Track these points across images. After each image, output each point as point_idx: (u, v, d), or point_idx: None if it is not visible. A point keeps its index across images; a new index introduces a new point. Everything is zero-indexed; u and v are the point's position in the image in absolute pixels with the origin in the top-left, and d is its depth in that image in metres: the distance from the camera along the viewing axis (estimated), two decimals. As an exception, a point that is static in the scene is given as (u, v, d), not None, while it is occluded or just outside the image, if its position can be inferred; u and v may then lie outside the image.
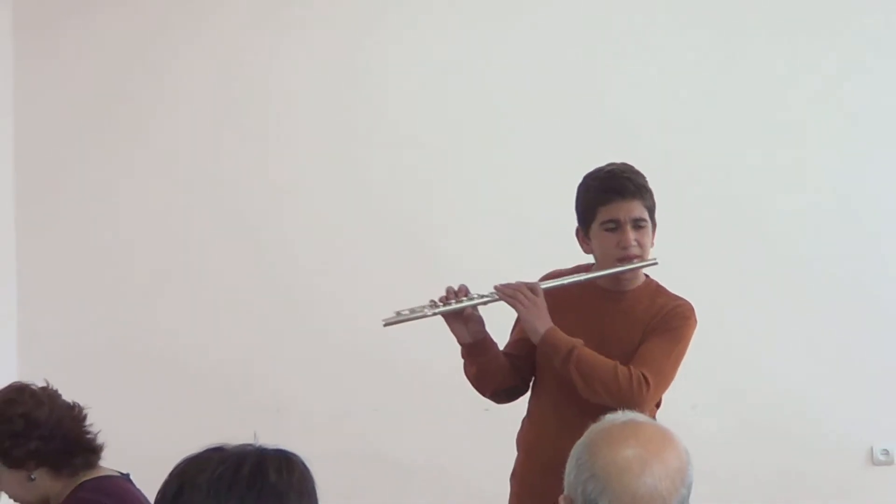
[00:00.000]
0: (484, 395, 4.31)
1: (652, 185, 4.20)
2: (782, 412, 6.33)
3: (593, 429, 2.47)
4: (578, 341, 4.04)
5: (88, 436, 3.58)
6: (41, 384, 3.59)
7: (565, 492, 2.41)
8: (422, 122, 6.51)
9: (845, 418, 6.34)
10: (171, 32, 6.60)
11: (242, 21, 6.59)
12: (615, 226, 4.11)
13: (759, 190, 6.43)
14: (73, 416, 3.57)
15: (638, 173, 4.18)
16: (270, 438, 2.36)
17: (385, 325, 4.16)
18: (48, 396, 3.57)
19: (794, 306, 6.41)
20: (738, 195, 6.43)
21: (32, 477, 3.52)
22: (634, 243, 4.10)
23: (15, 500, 3.60)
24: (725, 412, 6.26)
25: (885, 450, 6.39)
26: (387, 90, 6.53)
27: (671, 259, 5.51)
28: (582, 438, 2.45)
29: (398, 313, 4.13)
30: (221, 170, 6.54)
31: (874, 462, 6.39)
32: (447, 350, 4.34)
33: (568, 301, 4.16)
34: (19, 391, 3.57)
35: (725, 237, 6.42)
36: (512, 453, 4.35)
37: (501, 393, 4.30)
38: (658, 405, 4.17)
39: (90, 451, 3.57)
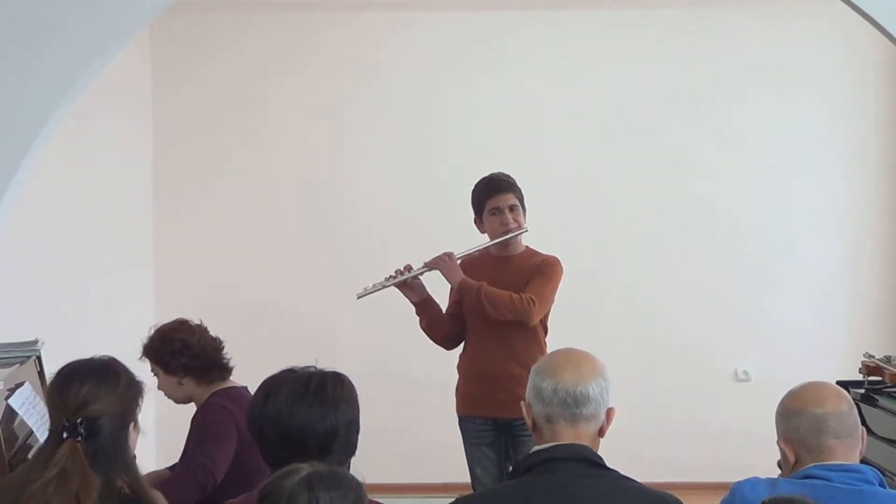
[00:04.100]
0: (436, 341, 4.48)
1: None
2: (669, 340, 6.37)
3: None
4: (483, 283, 4.25)
5: (223, 360, 3.71)
6: (197, 322, 3.75)
7: (526, 396, 2.48)
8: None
9: (716, 346, 6.39)
10: (280, 66, 6.48)
11: (332, 65, 6.48)
12: (498, 211, 4.34)
13: (659, 179, 6.43)
14: (214, 346, 3.71)
15: (509, 176, 4.40)
16: (326, 363, 2.50)
17: (358, 297, 4.38)
18: (200, 330, 3.72)
19: (681, 261, 6.43)
20: (649, 186, 6.44)
21: (181, 382, 3.66)
22: (512, 221, 4.33)
23: (167, 397, 3.73)
24: (630, 340, 6.26)
25: (745, 371, 6.41)
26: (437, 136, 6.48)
27: (600, 227, 5.85)
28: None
29: (365, 288, 4.34)
30: (304, 176, 6.49)
31: (737, 380, 6.42)
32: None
33: (474, 266, 4.39)
34: (181, 323, 3.72)
35: (636, 220, 6.43)
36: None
37: (447, 340, 4.48)
38: (546, 331, 4.37)
39: (223, 369, 3.71)
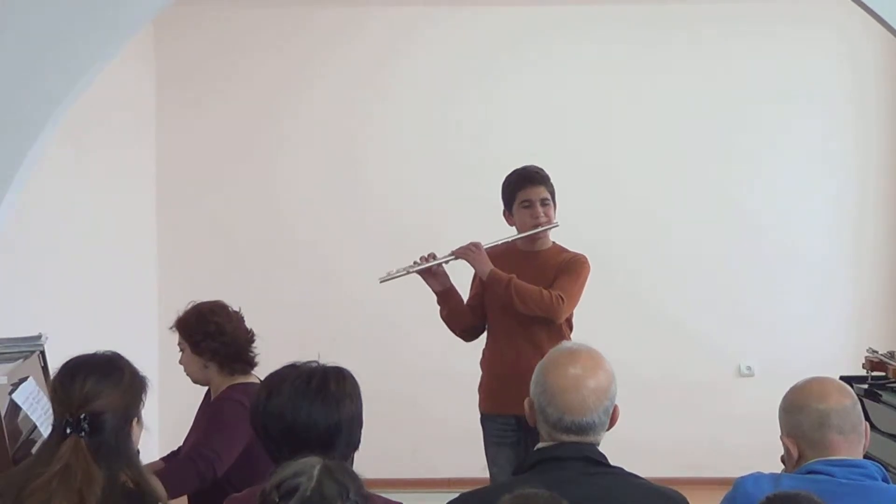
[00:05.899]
0: (455, 332, 4.42)
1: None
2: (672, 336, 6.38)
3: (550, 352, 2.50)
4: (513, 276, 4.17)
5: (250, 353, 3.60)
6: (235, 308, 3.64)
7: (531, 396, 2.44)
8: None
9: (719, 341, 6.40)
10: (285, 65, 6.48)
11: (340, 87, 6.48)
12: (529, 204, 4.24)
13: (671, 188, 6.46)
14: (246, 337, 3.60)
15: (542, 169, 4.32)
16: (329, 357, 2.48)
17: (381, 281, 4.28)
18: (237, 318, 3.61)
19: (684, 258, 6.44)
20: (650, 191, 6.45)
21: (206, 366, 3.56)
22: (543, 215, 4.24)
23: (188, 376, 3.62)
24: (633, 336, 6.24)
25: (749, 366, 6.43)
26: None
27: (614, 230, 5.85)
28: (543, 359, 2.48)
29: (389, 273, 4.25)
30: (309, 175, 6.48)
31: (740, 375, 6.45)
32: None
33: (499, 259, 4.26)
34: (221, 307, 3.61)
35: (640, 217, 6.44)
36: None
37: (466, 332, 4.41)
38: (570, 328, 4.30)
39: (247, 363, 3.59)
